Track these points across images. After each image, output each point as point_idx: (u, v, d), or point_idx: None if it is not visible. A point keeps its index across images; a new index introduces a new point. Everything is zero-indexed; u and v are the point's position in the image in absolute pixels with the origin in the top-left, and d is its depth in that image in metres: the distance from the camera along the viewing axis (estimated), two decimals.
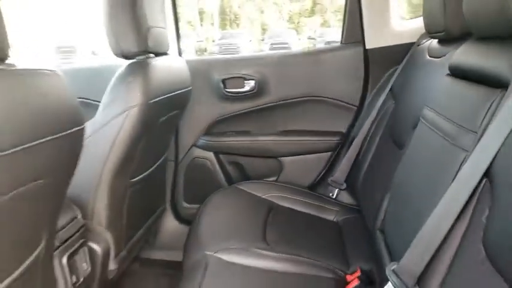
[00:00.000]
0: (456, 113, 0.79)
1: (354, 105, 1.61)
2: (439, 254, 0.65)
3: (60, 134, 0.66)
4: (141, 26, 1.11)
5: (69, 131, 0.68)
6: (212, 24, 20.49)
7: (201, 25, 20.14)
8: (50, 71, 0.67)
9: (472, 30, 0.81)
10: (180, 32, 1.72)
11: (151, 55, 1.21)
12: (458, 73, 0.86)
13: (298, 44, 14.86)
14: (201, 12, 20.48)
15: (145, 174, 1.30)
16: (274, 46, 14.18)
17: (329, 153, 1.65)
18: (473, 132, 0.70)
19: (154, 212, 1.55)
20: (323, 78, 1.62)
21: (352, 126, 1.62)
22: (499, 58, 0.70)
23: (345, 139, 1.62)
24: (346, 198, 1.54)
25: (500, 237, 0.55)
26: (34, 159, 0.63)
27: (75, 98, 0.71)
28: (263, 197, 1.45)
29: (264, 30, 20.01)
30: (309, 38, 16.24)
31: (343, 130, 1.63)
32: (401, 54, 1.40)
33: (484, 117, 0.67)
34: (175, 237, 1.66)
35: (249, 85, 1.65)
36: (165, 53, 1.31)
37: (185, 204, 1.75)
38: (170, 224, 1.72)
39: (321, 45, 11.83)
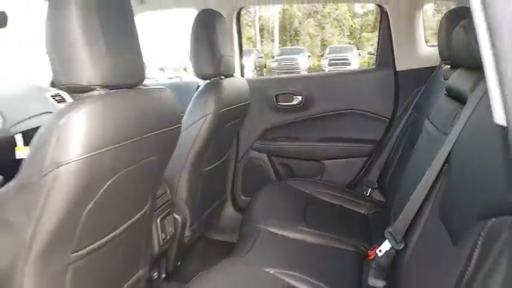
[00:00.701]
0: (440, 121, 1.07)
1: (386, 118, 1.89)
2: (417, 217, 0.95)
3: (170, 128, 1.05)
4: (216, 55, 1.50)
5: (174, 127, 1.07)
6: (272, 40, 21.10)
7: (261, 41, 20.81)
8: (164, 88, 1.07)
9: (458, 60, 1.10)
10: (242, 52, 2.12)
11: (222, 77, 1.60)
12: (448, 92, 1.14)
13: (359, 60, 14.84)
14: (261, 29, 21.17)
15: (213, 166, 1.68)
16: (333, 62, 14.28)
17: (364, 158, 1.93)
18: (445, 134, 0.98)
19: (218, 199, 1.93)
20: (360, 94, 1.92)
21: (384, 135, 1.90)
22: (466, 82, 0.98)
23: (378, 146, 1.90)
24: (377, 196, 1.81)
25: (446, 200, 0.84)
26: (151, 143, 1.02)
27: (177, 105, 1.11)
28: (306, 191, 1.76)
29: (324, 46, 20.20)
30: (369, 53, 16.13)
31: (377, 138, 1.92)
32: (425, 75, 1.67)
33: (452, 123, 0.96)
34: (233, 223, 2.02)
35: (297, 100, 2.00)
36: (231, 75, 1.70)
37: (242, 197, 2.11)
38: (229, 211, 2.09)
39: None
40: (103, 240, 0.95)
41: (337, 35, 21.29)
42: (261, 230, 1.40)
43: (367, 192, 1.82)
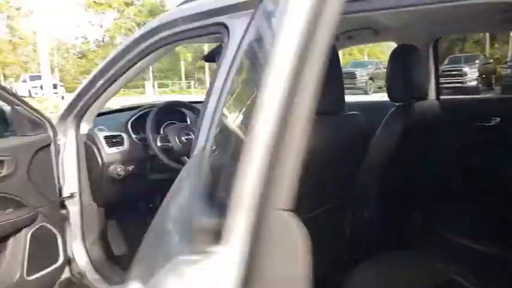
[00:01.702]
0: None
1: None
2: None
3: (357, 145, 1.42)
4: (407, 82, 1.75)
5: (360, 144, 1.44)
6: None
7: None
8: (357, 113, 1.45)
9: None
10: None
11: (413, 100, 1.83)
12: None
13: None
14: None
15: (400, 179, 1.91)
16: None
17: None
18: None
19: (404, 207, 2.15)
20: None
21: None
22: None
23: None
24: None
25: None
26: (343, 155, 1.39)
27: (366, 127, 1.47)
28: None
29: None
30: None
31: None
32: None
33: None
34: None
35: (495, 121, 2.03)
36: (423, 98, 1.90)
37: None
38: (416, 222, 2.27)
39: None
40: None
41: None
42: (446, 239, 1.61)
43: None
